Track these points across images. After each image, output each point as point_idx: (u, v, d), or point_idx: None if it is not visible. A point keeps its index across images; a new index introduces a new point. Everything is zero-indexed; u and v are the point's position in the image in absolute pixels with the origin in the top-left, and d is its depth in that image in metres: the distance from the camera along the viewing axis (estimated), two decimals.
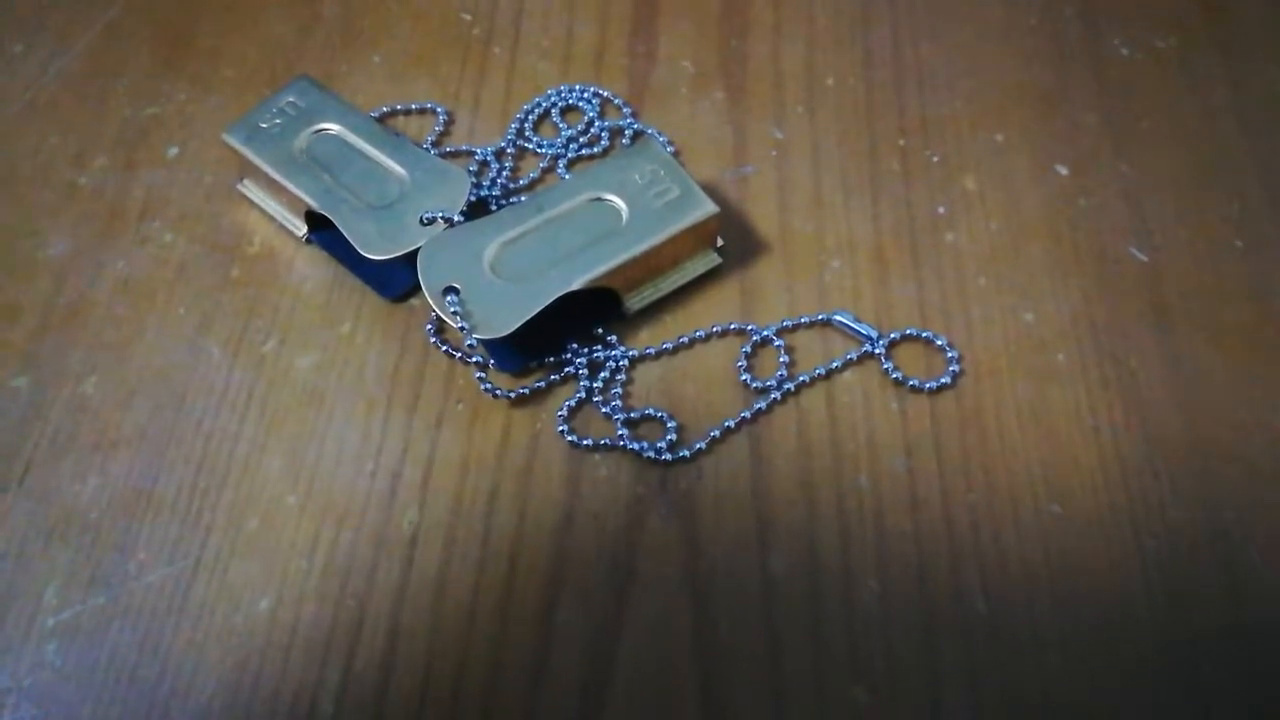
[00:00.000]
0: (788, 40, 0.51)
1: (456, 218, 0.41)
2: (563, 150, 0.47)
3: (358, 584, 0.37)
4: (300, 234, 0.44)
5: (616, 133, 0.48)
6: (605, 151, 0.47)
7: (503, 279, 0.40)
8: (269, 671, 0.35)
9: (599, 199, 0.42)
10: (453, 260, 0.40)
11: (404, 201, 0.42)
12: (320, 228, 0.43)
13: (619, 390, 0.41)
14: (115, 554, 0.37)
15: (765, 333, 0.42)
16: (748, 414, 0.40)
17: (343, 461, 0.39)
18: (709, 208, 0.41)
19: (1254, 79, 0.49)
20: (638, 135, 0.48)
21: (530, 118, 0.48)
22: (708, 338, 0.42)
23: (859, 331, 0.42)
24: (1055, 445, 0.39)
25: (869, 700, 0.34)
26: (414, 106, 0.48)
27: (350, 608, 0.36)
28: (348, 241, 0.41)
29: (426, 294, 0.39)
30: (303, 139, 0.43)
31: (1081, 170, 0.47)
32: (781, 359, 0.41)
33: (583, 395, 0.40)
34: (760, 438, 0.40)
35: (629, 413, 0.40)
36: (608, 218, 0.41)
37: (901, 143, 0.47)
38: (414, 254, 0.40)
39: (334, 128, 0.44)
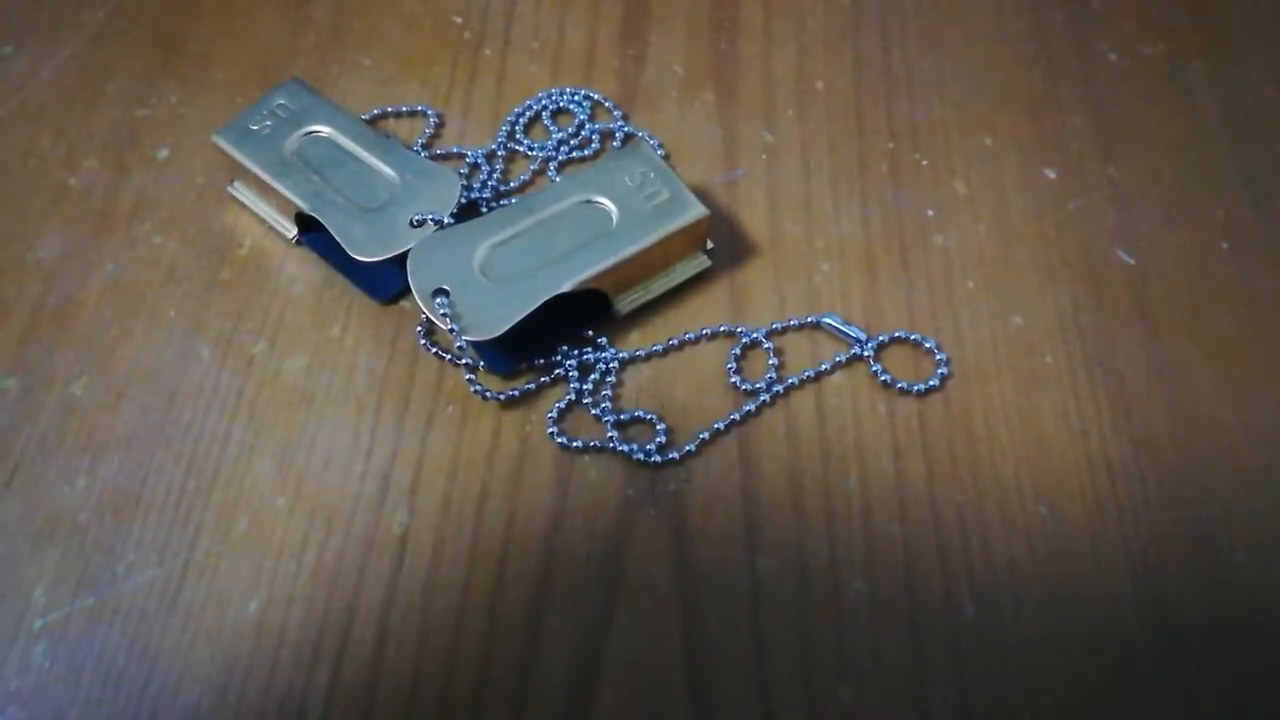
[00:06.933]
0: (778, 44, 0.51)
1: (447, 220, 0.41)
2: (553, 153, 0.47)
3: (347, 586, 0.37)
4: (290, 236, 0.44)
5: (607, 135, 0.48)
6: (596, 154, 0.47)
7: (493, 281, 0.40)
8: (258, 673, 0.35)
9: (589, 201, 0.42)
10: (443, 262, 0.40)
11: (394, 204, 0.42)
12: (310, 230, 0.43)
13: (609, 392, 0.41)
14: (104, 555, 0.37)
15: (755, 335, 0.42)
16: (737, 416, 0.40)
17: (332, 463, 0.39)
18: (699, 210, 0.41)
19: (1240, 84, 0.50)
20: (628, 138, 0.48)
21: (521, 120, 0.48)
22: (697, 340, 0.42)
23: (848, 334, 0.42)
24: (1042, 447, 0.40)
25: (855, 701, 0.35)
26: (404, 109, 0.48)
27: (339, 610, 0.36)
28: (338, 243, 0.41)
29: (416, 296, 0.39)
30: (293, 141, 0.43)
31: (1069, 174, 0.47)
32: (771, 361, 0.41)
33: (573, 397, 0.40)
34: (749, 440, 0.40)
35: (619, 415, 0.40)
36: (598, 220, 0.41)
37: (891, 146, 0.48)
38: (404, 256, 0.40)
39: (324, 130, 0.44)
